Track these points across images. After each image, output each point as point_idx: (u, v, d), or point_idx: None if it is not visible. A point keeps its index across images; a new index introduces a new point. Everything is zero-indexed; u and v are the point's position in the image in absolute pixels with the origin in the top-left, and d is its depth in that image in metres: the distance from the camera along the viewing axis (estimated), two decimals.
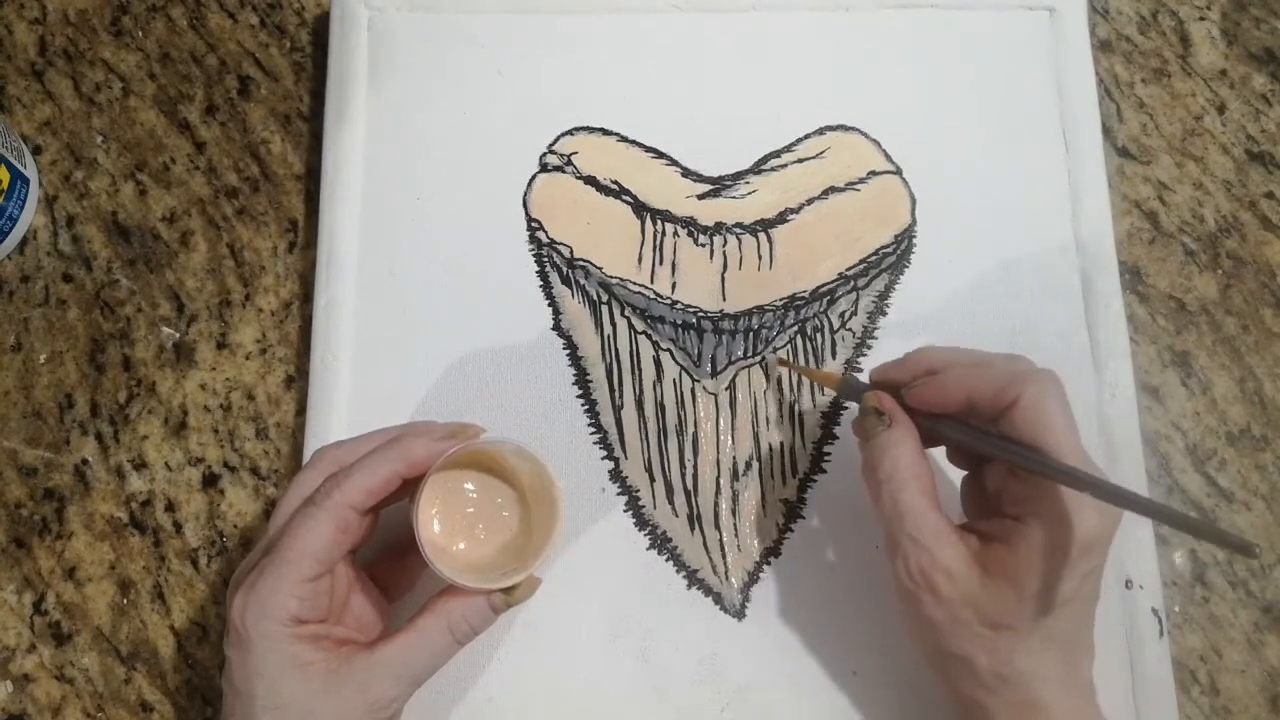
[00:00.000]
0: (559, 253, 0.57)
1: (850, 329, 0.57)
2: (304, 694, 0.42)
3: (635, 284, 0.57)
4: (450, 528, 0.48)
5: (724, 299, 0.56)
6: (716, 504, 0.54)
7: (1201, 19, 0.64)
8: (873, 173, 0.59)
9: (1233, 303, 0.59)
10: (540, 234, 0.58)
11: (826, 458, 0.55)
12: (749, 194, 0.58)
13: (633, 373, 0.56)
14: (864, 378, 0.55)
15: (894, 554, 0.44)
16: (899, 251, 0.58)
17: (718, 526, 0.54)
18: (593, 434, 0.55)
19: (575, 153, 0.59)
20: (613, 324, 0.57)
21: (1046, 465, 0.41)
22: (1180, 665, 0.53)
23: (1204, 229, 0.60)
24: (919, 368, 0.46)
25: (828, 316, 0.57)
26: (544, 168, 0.59)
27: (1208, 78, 0.63)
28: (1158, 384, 0.58)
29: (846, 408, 0.56)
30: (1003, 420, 0.42)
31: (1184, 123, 0.62)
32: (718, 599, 0.53)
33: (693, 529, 0.54)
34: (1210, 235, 0.60)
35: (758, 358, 0.56)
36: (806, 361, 0.56)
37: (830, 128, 0.60)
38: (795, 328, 0.56)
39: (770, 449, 0.55)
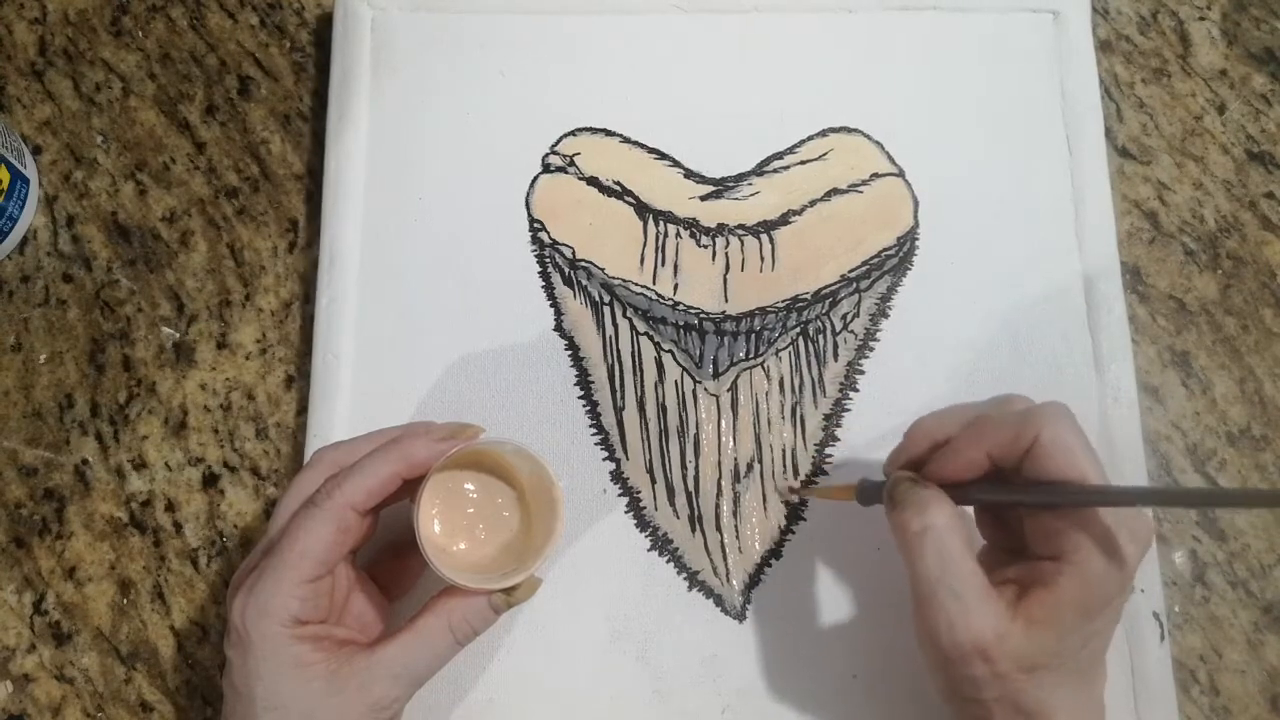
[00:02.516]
0: (561, 253, 0.57)
1: (852, 330, 0.57)
2: (305, 695, 0.42)
3: (637, 285, 0.57)
4: (451, 528, 0.48)
5: (726, 300, 0.56)
6: (718, 505, 0.54)
7: (1201, 19, 0.64)
8: (875, 174, 0.59)
9: (1233, 303, 0.59)
10: (542, 235, 0.58)
11: (828, 459, 0.55)
12: (751, 195, 0.58)
13: (634, 374, 0.56)
14: (865, 379, 0.56)
15: (929, 610, 0.41)
16: (901, 253, 0.58)
17: (719, 528, 0.54)
18: (594, 435, 0.55)
19: (578, 153, 0.59)
20: (614, 325, 0.56)
21: (1091, 495, 0.40)
22: (1180, 665, 0.53)
23: (1204, 229, 0.60)
24: (924, 442, 0.45)
25: (830, 318, 0.57)
26: (546, 168, 0.59)
27: (1208, 78, 0.63)
28: (1158, 384, 0.58)
29: (848, 409, 0.55)
30: (1025, 465, 0.42)
31: (1184, 123, 0.62)
32: (719, 601, 0.53)
33: (694, 530, 0.54)
34: (1210, 235, 0.60)
35: (759, 359, 0.56)
36: (808, 363, 0.56)
37: (833, 129, 0.60)
38: (797, 329, 0.56)
39: (772, 451, 0.55)
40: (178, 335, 0.58)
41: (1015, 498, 0.43)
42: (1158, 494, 0.39)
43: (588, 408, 0.55)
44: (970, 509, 0.47)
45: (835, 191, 0.58)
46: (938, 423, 0.45)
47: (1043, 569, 0.41)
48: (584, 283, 0.57)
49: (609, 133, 0.60)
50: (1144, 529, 0.41)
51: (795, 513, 0.54)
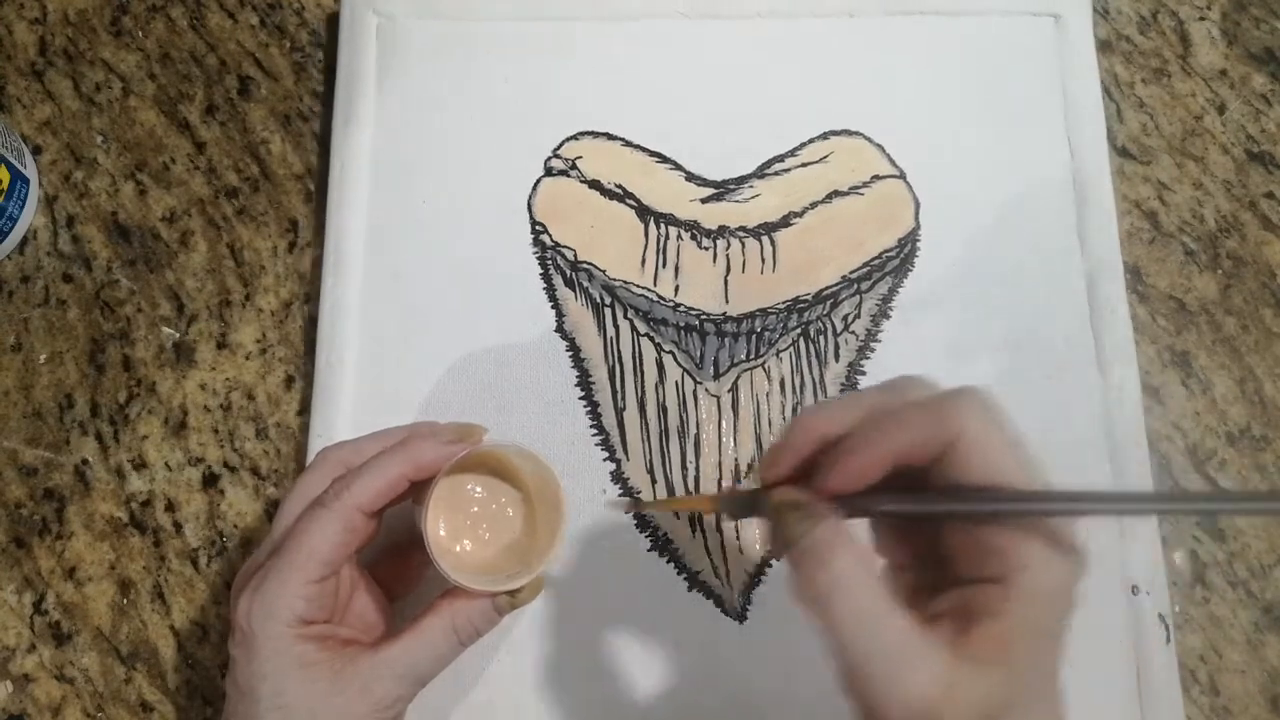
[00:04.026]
0: (563, 255, 0.57)
1: (853, 332, 0.57)
2: (309, 694, 0.42)
3: (638, 287, 0.57)
4: (455, 529, 0.48)
5: (727, 302, 0.57)
6: None
7: (1201, 19, 0.64)
8: (876, 176, 0.59)
9: (1233, 303, 0.59)
10: (544, 237, 0.58)
11: None
12: (752, 198, 0.58)
13: (635, 375, 0.56)
14: (865, 382, 0.56)
15: (859, 680, 0.33)
16: (902, 255, 0.58)
17: (719, 528, 0.54)
18: (594, 435, 0.55)
19: (580, 157, 0.59)
20: (615, 326, 0.57)
21: (1045, 502, 0.34)
22: (1180, 665, 0.53)
23: (1204, 229, 0.60)
24: (811, 441, 0.37)
25: (831, 319, 0.57)
26: (549, 172, 0.59)
27: (1208, 78, 0.63)
28: (1158, 384, 0.58)
29: None
30: (940, 467, 0.34)
31: (1184, 123, 0.62)
32: (718, 601, 0.53)
33: (694, 531, 0.54)
34: (1210, 235, 0.60)
35: (760, 360, 0.56)
36: (809, 364, 0.56)
37: (834, 132, 0.60)
38: (798, 330, 0.56)
39: None
40: (178, 335, 0.58)
41: (930, 507, 0.35)
42: (1118, 497, 0.33)
43: (588, 408, 0.55)
44: (861, 521, 0.38)
45: (836, 193, 0.59)
46: (826, 416, 0.37)
47: (983, 595, 0.34)
48: (585, 284, 0.57)
49: (611, 136, 0.60)
50: (1071, 533, 0.34)
51: None
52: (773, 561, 0.53)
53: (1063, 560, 0.33)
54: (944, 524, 0.36)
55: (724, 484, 0.54)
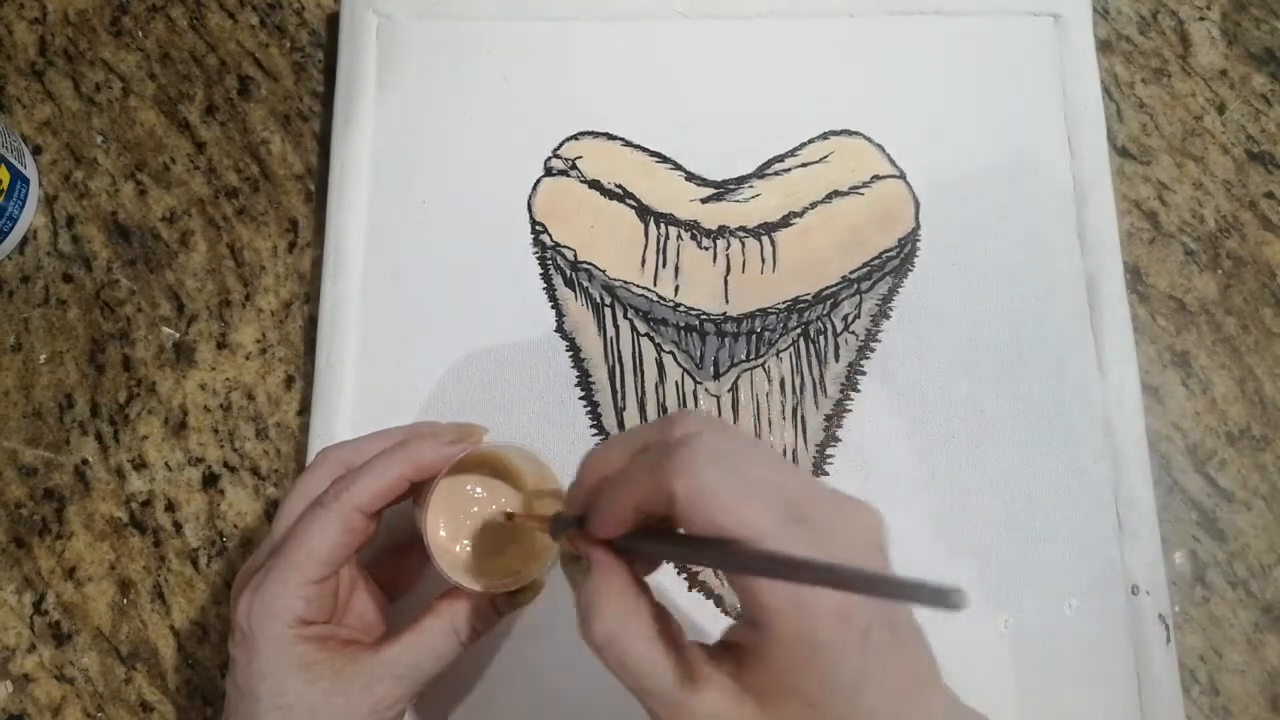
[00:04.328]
0: (563, 255, 0.57)
1: (854, 331, 0.57)
2: (308, 694, 0.42)
3: (638, 287, 0.57)
4: (455, 530, 0.48)
5: (727, 302, 0.57)
6: None
7: (1201, 19, 0.64)
8: (876, 176, 0.59)
9: (1233, 303, 0.59)
10: (544, 237, 0.58)
11: (829, 460, 0.55)
12: (752, 198, 0.58)
13: (635, 375, 0.56)
14: (866, 380, 0.56)
15: (648, 715, 0.35)
16: (902, 255, 0.58)
17: None
18: (595, 436, 0.55)
19: (580, 157, 0.59)
20: (615, 326, 0.57)
21: (741, 560, 0.32)
22: (1180, 665, 0.53)
23: (1204, 229, 0.60)
24: (593, 479, 0.38)
25: (831, 319, 0.57)
26: (549, 172, 0.59)
27: (1208, 78, 0.63)
28: (1158, 384, 0.58)
29: (850, 410, 0.55)
30: (676, 518, 0.33)
31: (1184, 123, 0.62)
32: (719, 601, 0.53)
33: None
34: (1210, 235, 0.60)
35: (760, 360, 0.56)
36: (809, 364, 0.56)
37: (834, 132, 0.60)
38: (798, 330, 0.56)
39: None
40: (178, 335, 0.58)
41: (677, 554, 0.37)
42: (830, 570, 0.29)
43: (588, 408, 0.55)
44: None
45: (836, 193, 0.59)
46: (602, 457, 0.38)
47: (753, 635, 0.33)
48: (585, 284, 0.57)
49: (611, 136, 0.60)
50: (836, 600, 0.32)
51: None
52: None
53: (811, 615, 0.32)
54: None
55: None
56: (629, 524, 0.36)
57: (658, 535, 0.36)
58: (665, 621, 0.36)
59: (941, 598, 0.26)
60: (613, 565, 0.37)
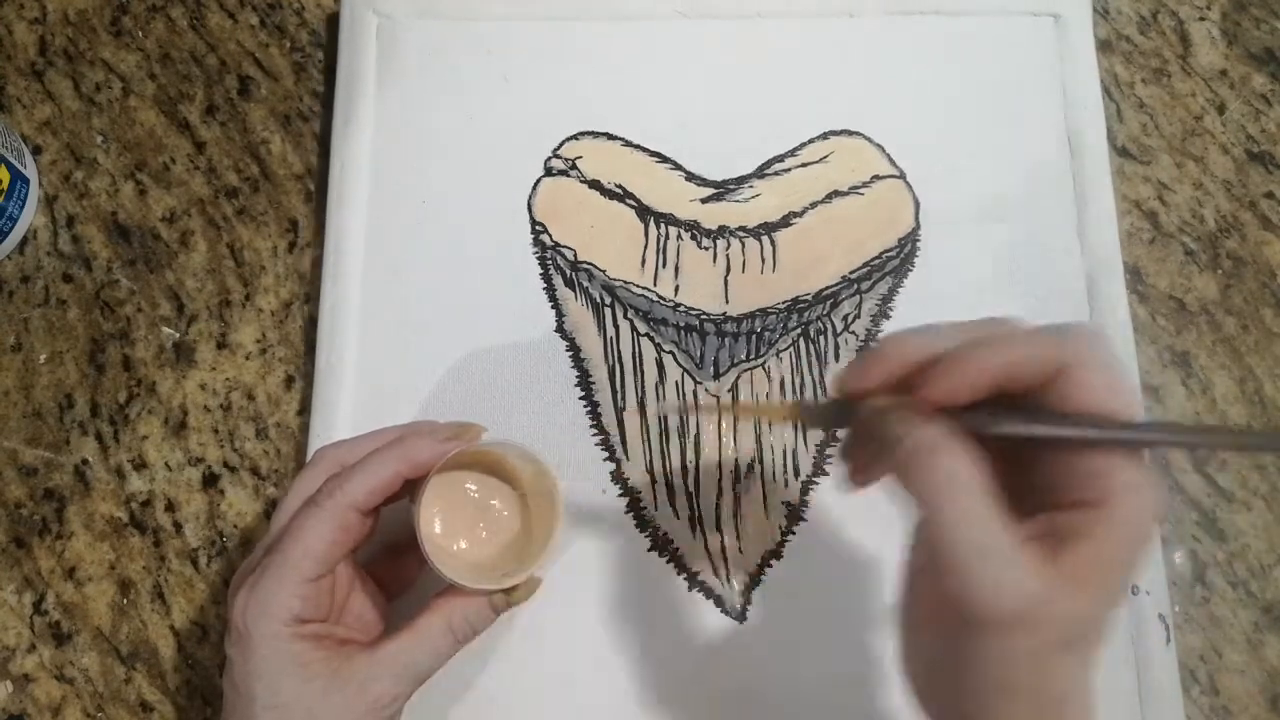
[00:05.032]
0: (563, 255, 0.57)
1: (853, 332, 0.57)
2: (305, 693, 0.42)
3: (638, 287, 0.57)
4: (451, 528, 0.48)
5: (727, 302, 0.57)
6: (718, 506, 0.54)
7: (1201, 19, 0.64)
8: (876, 176, 0.59)
9: (1233, 303, 0.59)
10: (544, 237, 0.58)
11: (829, 459, 0.55)
12: (752, 198, 0.58)
13: (635, 375, 0.56)
14: None
15: (959, 573, 0.34)
16: (902, 255, 0.58)
17: (719, 529, 0.54)
18: (594, 435, 0.55)
19: (580, 157, 0.59)
20: (615, 326, 0.57)
21: (1138, 431, 0.34)
22: (1180, 665, 0.53)
23: (1204, 229, 0.60)
24: (901, 358, 0.36)
25: (831, 319, 0.57)
26: (549, 172, 0.59)
27: (1208, 78, 0.63)
28: (1158, 384, 0.58)
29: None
30: (1048, 393, 0.35)
31: (1184, 123, 0.62)
32: (719, 601, 0.53)
33: (694, 531, 0.54)
34: (1210, 235, 0.60)
35: (760, 360, 0.56)
36: (809, 364, 0.56)
37: (834, 132, 0.60)
38: (798, 330, 0.56)
39: (772, 451, 0.55)
40: (178, 335, 0.58)
41: (1043, 429, 0.35)
42: (1207, 430, 0.34)
43: (588, 408, 0.55)
44: None
45: (836, 193, 0.58)
46: (923, 340, 0.36)
47: (1074, 520, 0.34)
48: (585, 284, 0.57)
49: (611, 136, 0.60)
50: (1151, 479, 0.35)
51: (795, 513, 0.54)
52: (774, 561, 0.53)
53: (1154, 489, 0.34)
54: (1039, 449, 0.36)
55: (724, 484, 0.54)
56: (978, 392, 0.35)
57: (1007, 411, 0.35)
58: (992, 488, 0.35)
59: None
60: (947, 421, 0.35)
